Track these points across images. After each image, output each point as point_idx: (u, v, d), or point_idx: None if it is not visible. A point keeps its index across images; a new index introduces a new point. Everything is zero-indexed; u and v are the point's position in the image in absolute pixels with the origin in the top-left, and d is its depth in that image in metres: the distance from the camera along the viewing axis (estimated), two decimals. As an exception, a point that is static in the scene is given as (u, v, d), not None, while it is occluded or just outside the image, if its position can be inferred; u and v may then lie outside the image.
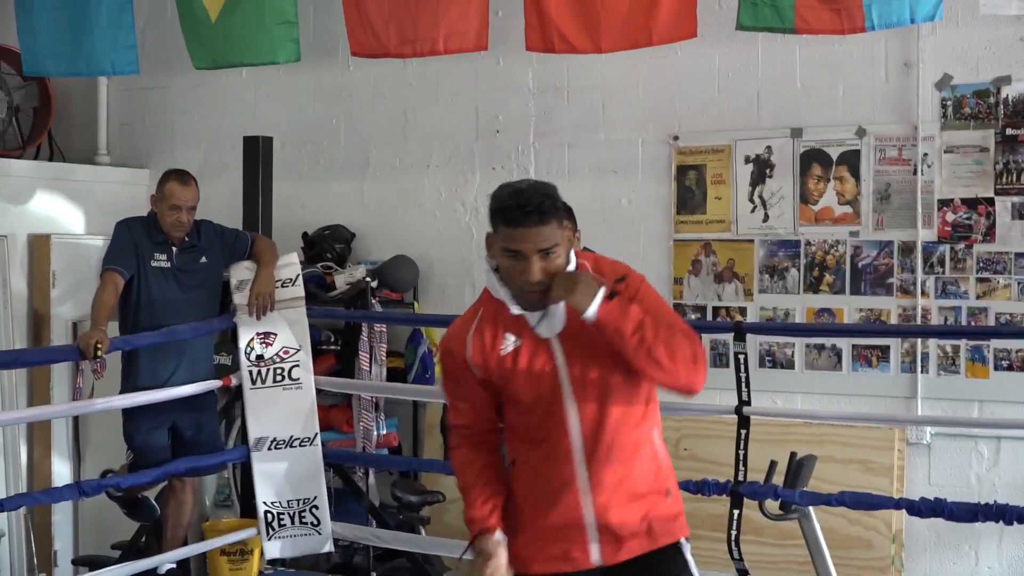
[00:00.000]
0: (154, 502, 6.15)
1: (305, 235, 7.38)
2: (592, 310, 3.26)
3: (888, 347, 6.21)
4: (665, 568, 3.45)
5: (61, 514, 7.41)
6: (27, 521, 7.06)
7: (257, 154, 6.69)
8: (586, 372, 3.35)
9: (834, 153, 6.33)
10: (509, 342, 3.36)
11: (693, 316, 6.59)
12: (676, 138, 6.70)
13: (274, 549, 6.15)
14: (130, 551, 6.35)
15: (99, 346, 5.21)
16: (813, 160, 6.37)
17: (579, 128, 6.97)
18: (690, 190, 6.65)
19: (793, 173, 6.40)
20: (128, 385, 5.81)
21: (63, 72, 7.11)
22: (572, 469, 3.38)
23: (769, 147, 6.46)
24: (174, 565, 5.94)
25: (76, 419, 7.46)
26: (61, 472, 7.43)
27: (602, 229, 6.58)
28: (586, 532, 3.40)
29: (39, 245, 7.43)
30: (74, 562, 7.28)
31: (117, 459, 6.23)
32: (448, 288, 7.26)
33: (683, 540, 3.50)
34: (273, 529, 6.10)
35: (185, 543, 6.14)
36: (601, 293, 3.27)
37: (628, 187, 6.83)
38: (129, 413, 5.82)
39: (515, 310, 3.35)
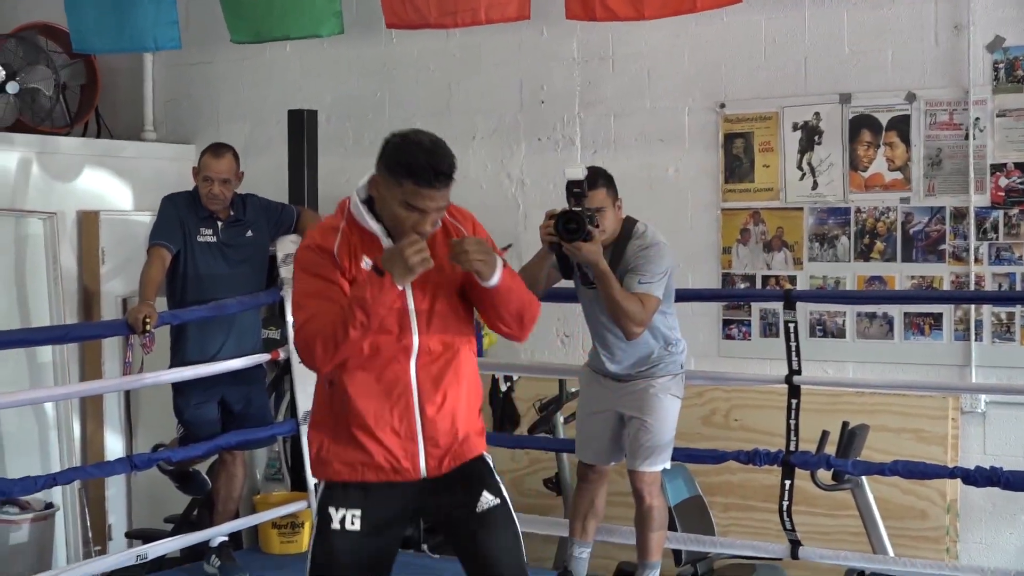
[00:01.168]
0: (205, 475, 6.16)
1: (351, 208, 7.35)
2: (495, 279, 3.53)
3: (941, 315, 6.13)
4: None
5: (115, 488, 7.46)
6: (81, 495, 7.11)
7: (302, 128, 6.68)
8: (432, 306, 3.59)
9: (884, 119, 6.23)
10: (366, 263, 3.51)
11: (742, 285, 6.53)
12: (723, 106, 6.62)
13: (325, 522, 6.13)
14: (183, 524, 6.38)
15: (148, 321, 5.22)
16: (862, 126, 6.28)
17: (624, 97, 6.90)
18: (738, 158, 6.58)
19: (842, 139, 6.32)
20: (177, 359, 5.82)
21: (108, 49, 7.13)
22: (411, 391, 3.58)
23: (817, 113, 6.37)
24: (226, 538, 5.95)
25: (127, 394, 7.50)
26: (114, 446, 7.47)
27: (649, 199, 6.52)
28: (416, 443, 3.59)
29: (88, 222, 7.45)
30: (128, 535, 7.32)
31: (168, 433, 6.24)
32: (495, 260, 7.20)
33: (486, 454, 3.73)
34: (323, 502, 6.09)
35: (236, 516, 6.15)
36: (500, 264, 3.54)
37: (675, 156, 6.76)
38: (178, 387, 5.83)
39: (387, 243, 3.52)
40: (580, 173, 4.67)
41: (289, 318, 6.03)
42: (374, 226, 3.53)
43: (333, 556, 3.53)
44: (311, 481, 6.07)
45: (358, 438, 3.53)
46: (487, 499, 3.60)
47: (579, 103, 7.04)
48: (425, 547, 6.40)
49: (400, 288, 3.44)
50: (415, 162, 3.42)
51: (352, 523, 3.53)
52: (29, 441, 7.07)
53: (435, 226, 3.52)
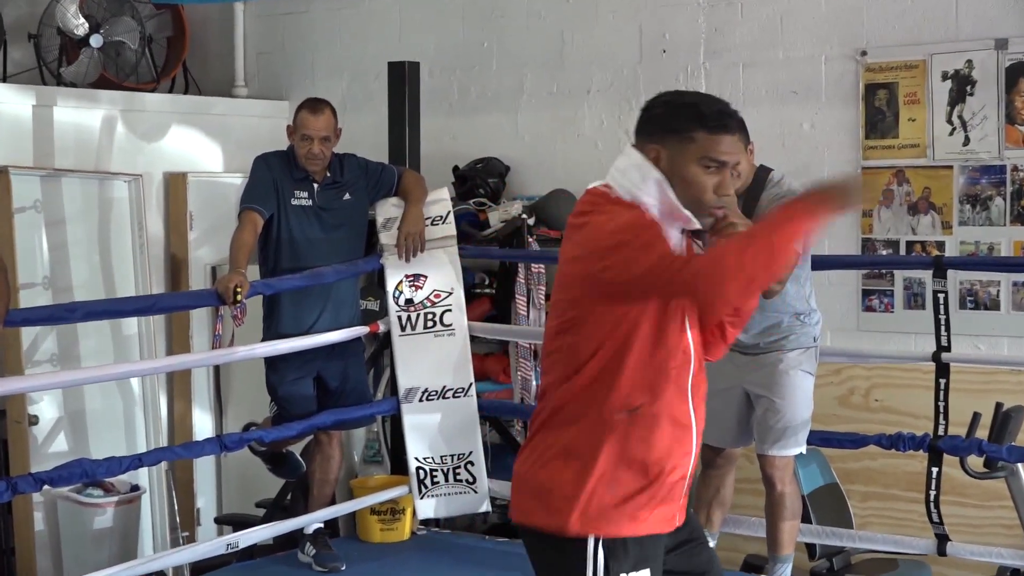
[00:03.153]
0: (299, 457, 6.24)
1: (456, 169, 7.41)
2: None
3: (1108, 284, 6.03)
4: None
5: (204, 470, 7.60)
6: (168, 477, 7.26)
7: (403, 82, 6.71)
8: None
9: (1046, 66, 6.13)
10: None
11: (884, 252, 6.47)
12: (864, 53, 6.55)
13: (427, 508, 6.23)
14: (275, 509, 6.46)
15: (239, 290, 5.29)
16: (1020, 75, 6.17)
17: (755, 45, 6.85)
18: (880, 112, 6.52)
19: (998, 90, 6.22)
20: (270, 332, 5.89)
21: (195, -2, 7.23)
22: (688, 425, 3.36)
23: (970, 61, 6.28)
24: (322, 525, 6.03)
25: (217, 369, 7.62)
26: (203, 426, 7.61)
27: (782, 157, 6.44)
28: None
29: (175, 184, 7.58)
30: (217, 520, 7.47)
31: (260, 411, 6.34)
32: (612, 225, 7.20)
33: None
34: (426, 487, 6.17)
35: (333, 501, 6.23)
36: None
37: (810, 110, 6.71)
38: (272, 362, 5.90)
39: (695, 225, 3.29)
40: None
41: (390, 288, 6.10)
42: (684, 210, 3.22)
43: None
44: (412, 464, 6.14)
45: (666, 483, 3.26)
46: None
47: (704, 52, 7.00)
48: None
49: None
50: (703, 107, 3.26)
51: None
52: (114, 419, 7.22)
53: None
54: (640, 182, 3.21)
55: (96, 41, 7.39)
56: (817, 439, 5.41)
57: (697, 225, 3.27)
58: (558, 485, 3.19)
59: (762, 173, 4.99)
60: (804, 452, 5.13)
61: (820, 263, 5.43)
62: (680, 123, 3.24)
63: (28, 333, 6.64)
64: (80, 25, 7.29)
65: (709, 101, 3.29)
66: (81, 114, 7.24)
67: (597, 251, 3.17)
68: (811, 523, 5.59)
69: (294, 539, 6.07)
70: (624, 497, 3.18)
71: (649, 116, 3.30)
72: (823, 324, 5.16)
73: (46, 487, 5.10)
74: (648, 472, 3.21)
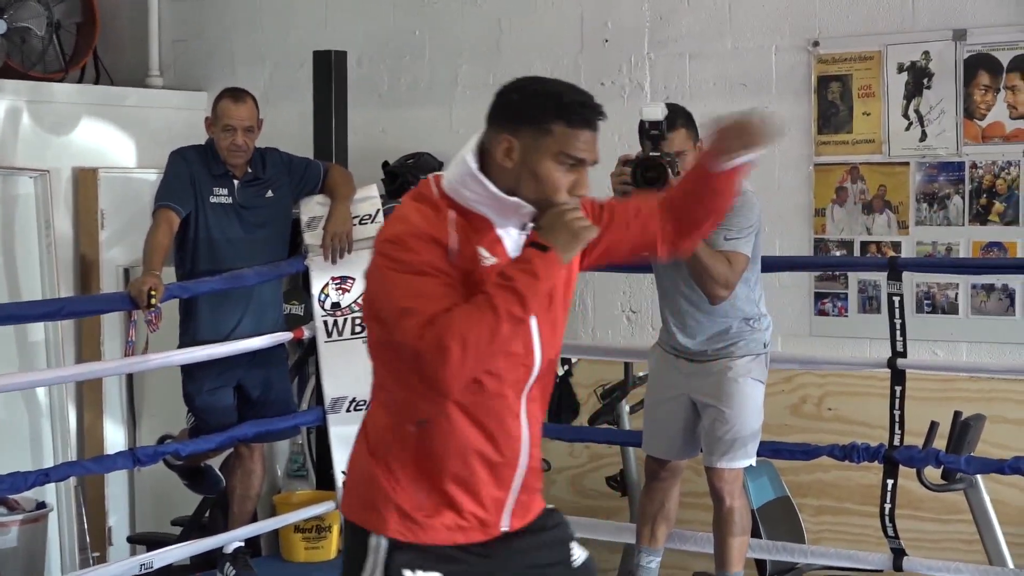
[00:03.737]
0: (218, 472, 6.20)
1: (386, 165, 7.37)
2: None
3: (1071, 287, 6.08)
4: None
5: (115, 486, 7.52)
6: (78, 493, 7.18)
7: (329, 72, 6.68)
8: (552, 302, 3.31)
9: (1005, 58, 6.16)
10: (486, 258, 3.21)
11: (838, 253, 6.49)
12: (816, 44, 6.57)
13: (355, 525, 6.17)
14: (193, 527, 6.42)
15: (153, 293, 5.25)
16: (979, 67, 6.21)
17: (702, 35, 6.86)
18: (833, 105, 6.54)
19: (956, 83, 6.25)
20: (187, 338, 5.85)
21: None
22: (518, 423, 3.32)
23: (927, 53, 6.31)
24: (242, 543, 5.98)
25: (130, 378, 7.55)
26: (115, 438, 7.54)
27: (730, 153, 6.46)
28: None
29: (85, 181, 7.50)
30: (130, 540, 7.38)
31: (177, 423, 6.28)
32: (551, 224, 7.19)
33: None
34: (353, 502, 6.12)
35: (255, 518, 6.19)
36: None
37: (760, 103, 6.64)
38: (189, 370, 5.86)
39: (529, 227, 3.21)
40: (659, 113, 4.69)
41: (315, 291, 6.05)
42: (510, 199, 3.16)
43: None
44: (339, 478, 6.10)
45: (452, 495, 3.26)
46: (578, 553, 3.46)
47: (649, 42, 7.00)
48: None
49: (564, 265, 3.17)
50: (565, 97, 3.18)
51: None
52: (18, 432, 7.14)
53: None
54: (460, 177, 3.19)
55: (-1, 27, 7.31)
56: (767, 450, 5.42)
57: (529, 211, 3.19)
58: (363, 481, 3.27)
59: None
60: (754, 464, 5.14)
61: (770, 264, 5.44)
62: (537, 113, 3.15)
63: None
64: (-18, 10, 7.21)
65: (571, 91, 3.21)
66: (-17, 105, 7.16)
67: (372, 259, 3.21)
68: (761, 538, 5.60)
69: (213, 559, 6.03)
70: (414, 504, 3.23)
71: (504, 103, 3.21)
72: (773, 329, 5.17)
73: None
74: (437, 481, 3.23)
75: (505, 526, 3.32)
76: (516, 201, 3.16)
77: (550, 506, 3.48)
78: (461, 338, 3.00)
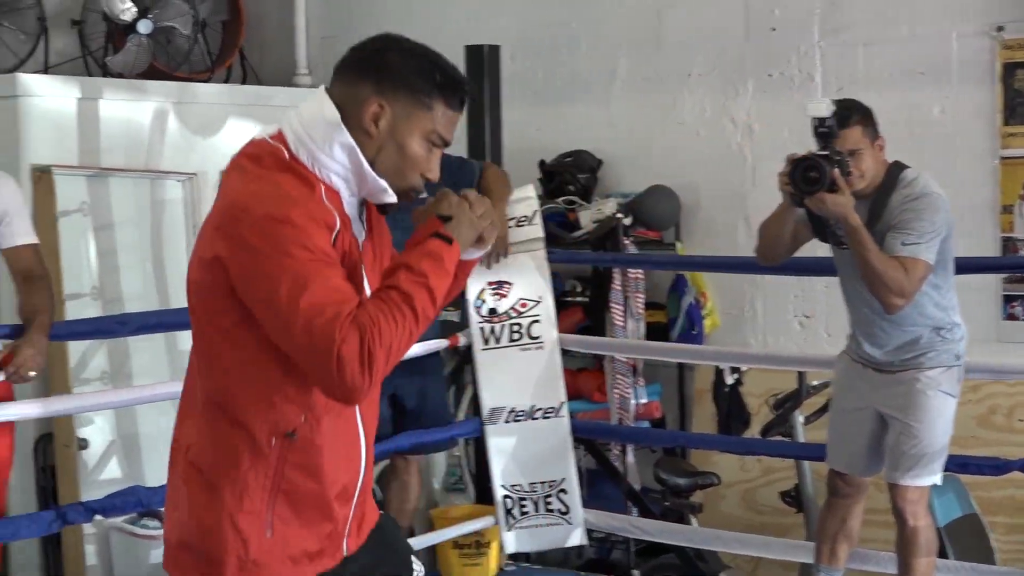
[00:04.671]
0: (374, 485, 6.21)
1: (542, 164, 7.36)
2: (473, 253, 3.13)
3: None
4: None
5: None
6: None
7: (482, 68, 6.66)
8: None
9: None
10: (360, 235, 3.05)
11: (1025, 253, 6.38)
12: (1000, 29, 6.47)
13: (516, 541, 6.18)
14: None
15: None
16: None
17: (876, 21, 6.78)
18: (1020, 94, 6.44)
19: None
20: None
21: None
22: (357, 427, 3.11)
23: (1125, 36, 6.17)
24: (398, 560, 5.98)
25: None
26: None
27: (910, 146, 6.31)
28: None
29: (233, 184, 7.55)
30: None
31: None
32: (717, 224, 7.17)
33: None
34: (514, 517, 6.12)
35: (412, 534, 6.19)
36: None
37: (940, 93, 6.64)
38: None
39: (390, 198, 3.01)
40: (825, 109, 4.63)
41: (471, 297, 6.04)
42: (380, 180, 2.98)
43: None
44: (499, 492, 6.09)
45: (309, 516, 3.02)
46: (418, 568, 3.33)
47: (819, 30, 6.93)
48: (636, 573, 6.40)
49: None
50: (450, 73, 2.99)
51: None
52: (169, 442, 7.21)
53: None
54: (324, 143, 2.94)
55: (145, 27, 7.39)
56: (954, 464, 5.30)
57: (392, 199, 3.02)
58: (193, 519, 3.00)
59: (895, 171, 4.87)
60: (939, 483, 5.01)
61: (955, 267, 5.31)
62: (421, 84, 2.96)
63: (75, 349, 6.66)
64: (127, 10, 7.30)
65: (452, 67, 3.01)
66: (129, 107, 7.24)
67: (226, 235, 2.86)
68: (948, 559, 5.50)
69: None
70: (263, 538, 2.97)
71: (379, 61, 2.97)
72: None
73: (98, 517, 5.12)
74: (298, 502, 3.01)
75: (346, 548, 3.11)
76: (383, 185, 2.97)
77: (381, 512, 3.30)
78: (388, 345, 2.77)
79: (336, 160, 2.94)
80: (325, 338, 2.73)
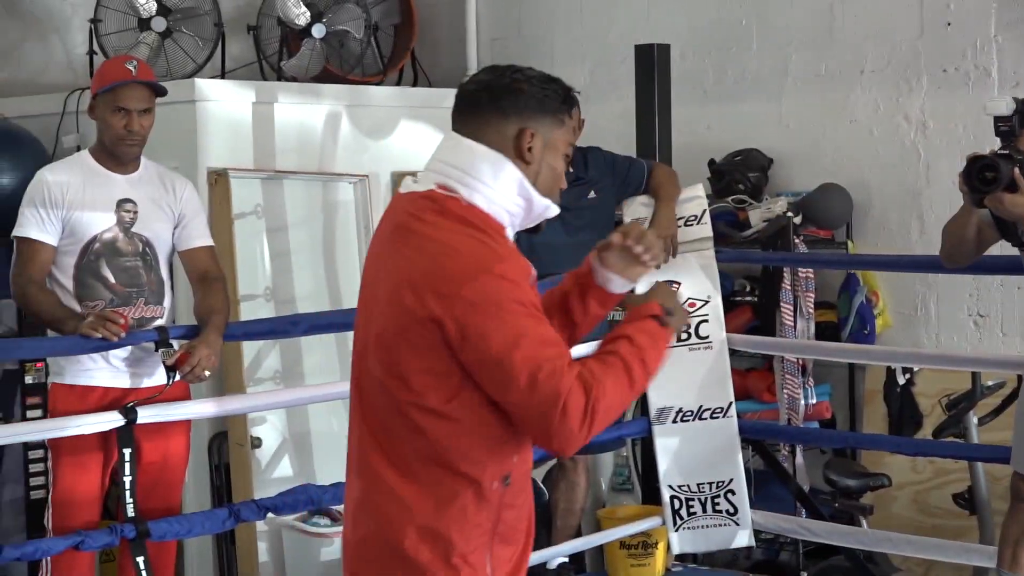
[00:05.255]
0: (542, 484, 6.24)
1: (712, 163, 7.33)
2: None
3: None
4: None
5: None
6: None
7: (652, 66, 6.65)
8: None
9: None
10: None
11: None
12: None
13: (683, 541, 6.18)
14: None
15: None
16: None
17: (1055, 14, 6.62)
18: None
19: None
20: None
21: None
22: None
23: None
24: (567, 559, 6.02)
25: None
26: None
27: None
28: None
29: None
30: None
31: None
32: (889, 223, 7.06)
33: None
34: (681, 518, 6.11)
35: (579, 534, 6.21)
36: None
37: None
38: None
39: (553, 212, 3.14)
40: (1005, 107, 4.55)
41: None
42: (544, 203, 3.10)
43: None
44: (666, 493, 6.09)
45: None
46: None
47: (996, 23, 6.80)
48: (805, 575, 6.36)
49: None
50: (567, 87, 3.13)
51: None
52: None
53: None
54: (494, 182, 3.00)
55: (318, 31, 7.51)
56: None
57: (556, 211, 3.11)
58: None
59: None
60: None
61: None
62: (555, 103, 3.05)
63: (250, 349, 6.78)
64: (302, 14, 7.42)
65: (561, 80, 3.14)
66: (303, 110, 7.37)
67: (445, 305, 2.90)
68: None
69: (536, 575, 6.06)
70: None
71: (516, 92, 3.04)
72: None
73: (270, 515, 5.23)
74: (502, 546, 3.14)
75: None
76: (546, 204, 3.09)
77: None
78: (608, 405, 2.91)
79: (509, 197, 3.02)
80: (551, 391, 2.85)
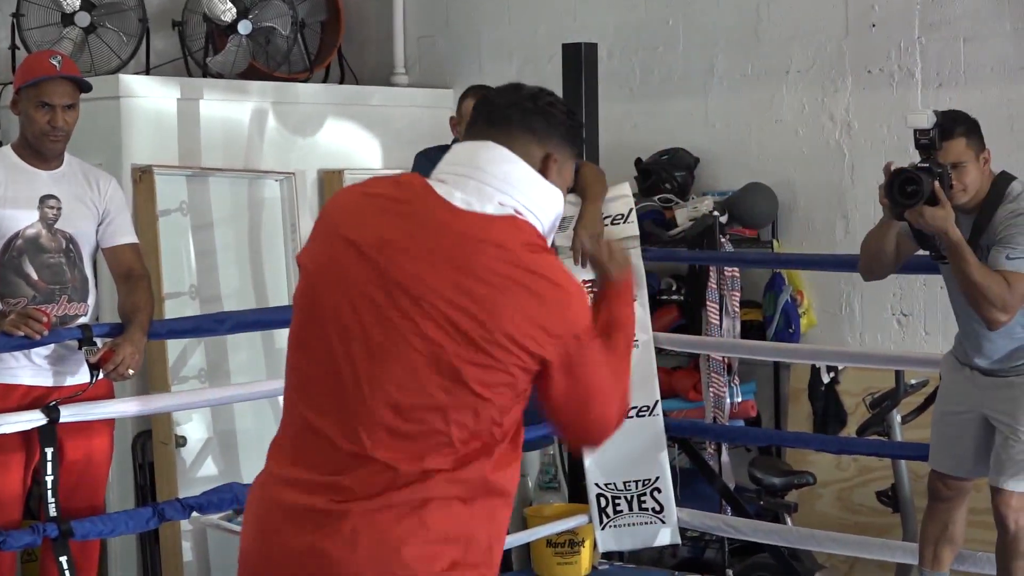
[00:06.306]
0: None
1: (638, 161, 7.35)
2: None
3: None
4: None
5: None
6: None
7: (579, 65, 6.67)
8: None
9: None
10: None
11: None
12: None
13: (609, 540, 6.19)
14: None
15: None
16: None
17: (978, 16, 6.69)
18: (1126, 90, 6.31)
19: None
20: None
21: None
22: None
23: None
24: (493, 557, 6.01)
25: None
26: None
27: (1010, 146, 6.28)
28: None
29: (331, 182, 7.62)
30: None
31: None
32: (814, 222, 7.12)
33: None
34: (607, 516, 6.13)
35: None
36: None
37: (1045, 89, 6.53)
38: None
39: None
40: (926, 120, 4.57)
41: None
42: (556, 225, 3.12)
43: None
44: (593, 491, 6.11)
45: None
46: None
47: (920, 25, 6.85)
48: (731, 572, 6.39)
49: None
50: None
51: None
52: (266, 440, 7.20)
53: None
54: (541, 208, 3.01)
55: (244, 28, 7.46)
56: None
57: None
58: None
59: (1001, 184, 4.81)
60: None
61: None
62: (577, 138, 3.11)
63: (174, 347, 6.74)
64: (227, 11, 7.37)
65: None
66: (229, 107, 7.34)
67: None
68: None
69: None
70: None
71: (549, 117, 3.03)
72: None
73: (195, 514, 5.22)
74: None
75: None
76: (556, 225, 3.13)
77: None
78: (626, 390, 3.11)
79: (553, 221, 3.05)
80: (614, 421, 3.05)
